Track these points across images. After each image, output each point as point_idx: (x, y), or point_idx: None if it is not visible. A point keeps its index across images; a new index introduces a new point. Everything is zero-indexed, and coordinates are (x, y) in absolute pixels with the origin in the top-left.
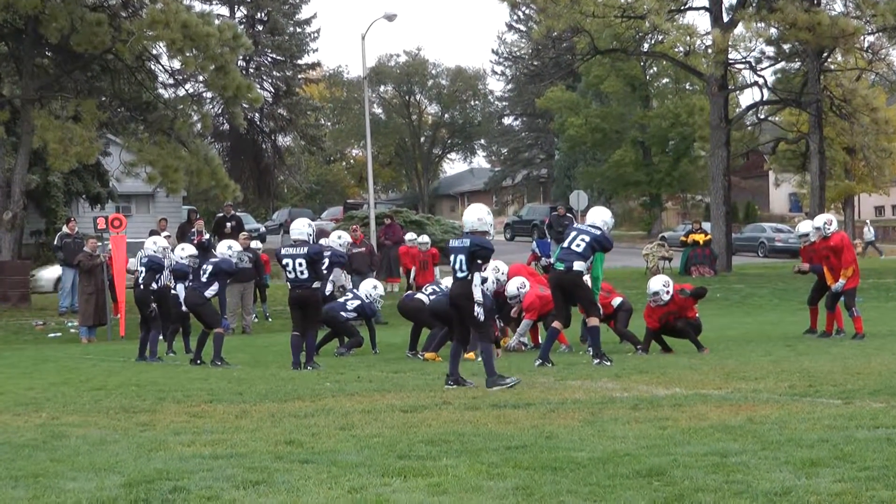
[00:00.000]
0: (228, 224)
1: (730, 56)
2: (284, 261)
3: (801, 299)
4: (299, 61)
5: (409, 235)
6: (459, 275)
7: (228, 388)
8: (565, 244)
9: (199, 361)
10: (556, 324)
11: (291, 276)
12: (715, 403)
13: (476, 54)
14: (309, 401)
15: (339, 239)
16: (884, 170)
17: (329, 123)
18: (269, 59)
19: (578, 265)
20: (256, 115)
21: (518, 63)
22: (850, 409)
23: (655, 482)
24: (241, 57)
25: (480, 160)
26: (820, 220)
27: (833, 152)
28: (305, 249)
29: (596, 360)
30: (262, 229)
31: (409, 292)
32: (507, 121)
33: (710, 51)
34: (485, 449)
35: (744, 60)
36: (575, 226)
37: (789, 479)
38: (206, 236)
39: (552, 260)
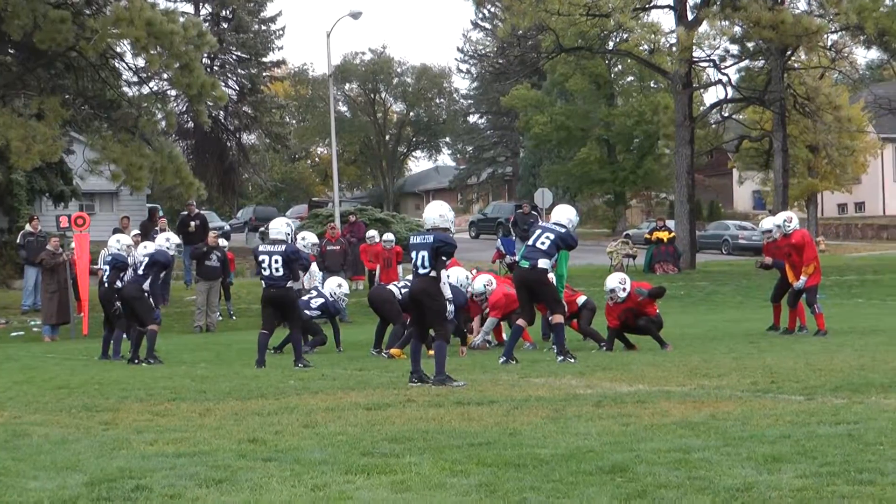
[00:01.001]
0: (192, 222)
1: (694, 54)
2: (261, 257)
3: (764, 296)
4: (264, 59)
5: (370, 233)
6: (421, 271)
7: (192, 386)
8: (530, 242)
9: (136, 360)
10: (520, 321)
11: (266, 272)
12: (678, 400)
13: (441, 52)
14: (272, 399)
15: (303, 241)
16: (846, 168)
17: (294, 121)
18: (233, 56)
19: (543, 263)
20: (221, 113)
21: (483, 61)
22: (812, 406)
23: (618, 478)
24: (205, 55)
25: (445, 158)
26: (780, 217)
27: (796, 150)
28: (283, 248)
29: (560, 358)
30: (227, 227)
31: (378, 284)
32: (472, 119)
33: (674, 49)
34: (448, 446)
35: (708, 58)
36: (540, 224)
37: (751, 475)
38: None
39: (517, 258)
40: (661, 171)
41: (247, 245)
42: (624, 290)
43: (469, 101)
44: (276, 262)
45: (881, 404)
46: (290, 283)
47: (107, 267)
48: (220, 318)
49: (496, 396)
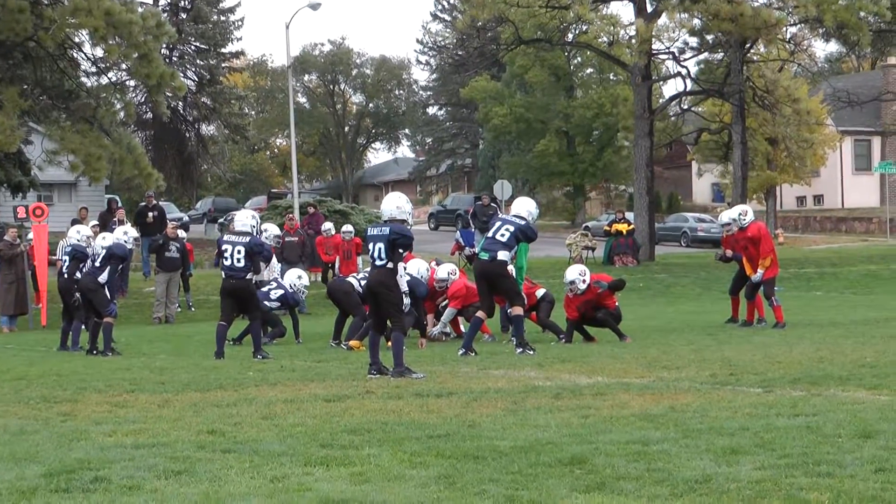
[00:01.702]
0: (151, 214)
1: (653, 46)
2: (224, 246)
3: (722, 289)
4: (223, 50)
5: (326, 226)
6: (378, 263)
7: (151, 377)
8: (490, 234)
9: (94, 352)
10: (479, 313)
11: (227, 262)
12: (637, 392)
13: (401, 44)
14: (231, 390)
15: (265, 232)
16: (805, 160)
17: (253, 112)
18: (192, 47)
19: (503, 255)
20: (180, 103)
21: (442, 53)
22: (770, 398)
23: (577, 470)
24: (164, 45)
25: (405, 150)
26: (736, 210)
27: (755, 143)
28: (247, 239)
29: (519, 350)
30: (186, 218)
31: (338, 276)
32: (431, 110)
33: (633, 41)
34: (407, 438)
35: (667, 51)
36: (500, 216)
37: (710, 467)
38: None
39: (476, 250)
40: (620, 163)
41: (206, 236)
42: (584, 281)
43: (428, 93)
44: (239, 252)
45: (839, 397)
46: (249, 275)
47: (66, 258)
48: (179, 309)
49: (455, 388)
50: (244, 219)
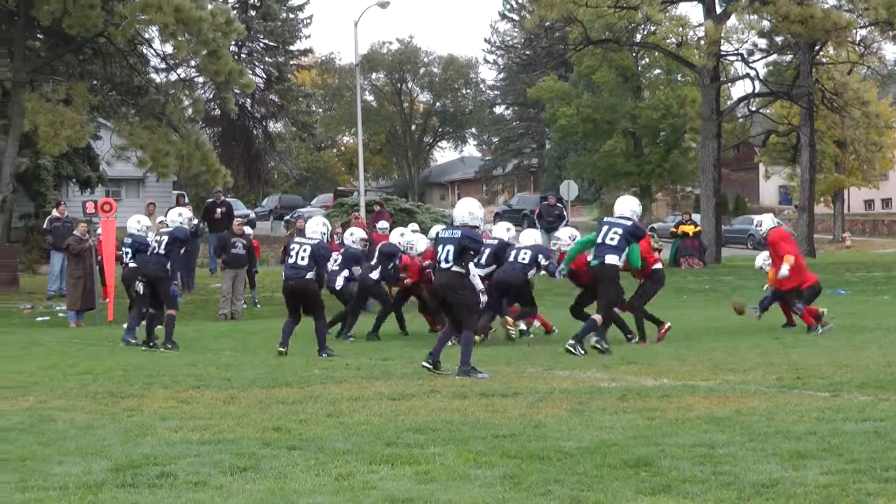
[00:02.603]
0: (218, 209)
1: (722, 48)
2: (292, 246)
3: None
4: (291, 47)
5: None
6: (444, 265)
7: (216, 374)
8: (599, 239)
9: (151, 344)
10: (595, 316)
11: (291, 260)
12: (703, 395)
13: (468, 43)
14: (297, 387)
15: (350, 236)
16: (874, 163)
17: (320, 110)
18: (261, 44)
19: (611, 258)
20: (248, 100)
21: (510, 52)
22: (837, 402)
23: (643, 472)
24: (233, 42)
25: (471, 149)
26: (756, 219)
27: (823, 145)
28: (315, 242)
29: (595, 338)
30: (252, 215)
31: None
32: (498, 110)
33: (702, 42)
34: (472, 437)
35: (736, 52)
36: (605, 219)
37: (776, 471)
38: (195, 221)
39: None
40: (687, 164)
41: (272, 233)
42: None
43: (495, 92)
44: (305, 251)
45: None
46: (310, 275)
47: (128, 250)
48: (245, 306)
49: (521, 388)
50: (315, 226)
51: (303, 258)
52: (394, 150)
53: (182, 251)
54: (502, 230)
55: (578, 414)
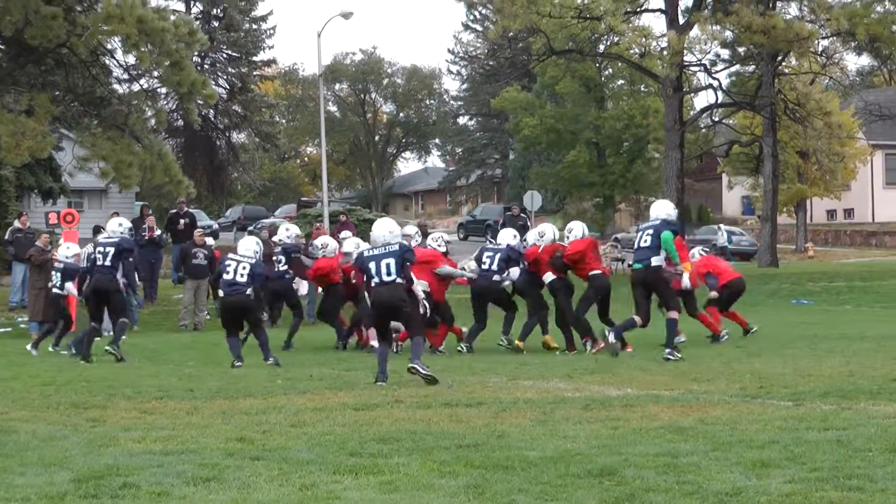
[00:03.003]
0: (181, 220)
1: (685, 58)
2: (228, 262)
3: (752, 300)
4: (255, 58)
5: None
6: (387, 279)
7: (179, 384)
8: (636, 245)
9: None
10: (637, 319)
11: (229, 276)
12: (666, 404)
13: (432, 54)
14: (260, 398)
15: (286, 231)
16: (836, 174)
17: (284, 121)
18: (224, 55)
19: (656, 260)
20: (211, 111)
21: (474, 63)
22: (800, 411)
23: (606, 482)
24: (196, 53)
25: (435, 159)
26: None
27: (786, 156)
28: (254, 262)
29: (667, 350)
30: (216, 226)
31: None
32: (461, 120)
33: (665, 53)
34: (436, 447)
35: (699, 63)
36: (640, 224)
37: (740, 480)
38: (158, 232)
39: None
40: (650, 174)
41: (235, 244)
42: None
43: (459, 103)
44: (244, 269)
45: (870, 411)
46: (249, 291)
47: (58, 275)
48: (208, 316)
49: (484, 398)
50: (249, 244)
51: (242, 275)
52: (357, 161)
53: (130, 260)
54: (509, 236)
55: (542, 423)
